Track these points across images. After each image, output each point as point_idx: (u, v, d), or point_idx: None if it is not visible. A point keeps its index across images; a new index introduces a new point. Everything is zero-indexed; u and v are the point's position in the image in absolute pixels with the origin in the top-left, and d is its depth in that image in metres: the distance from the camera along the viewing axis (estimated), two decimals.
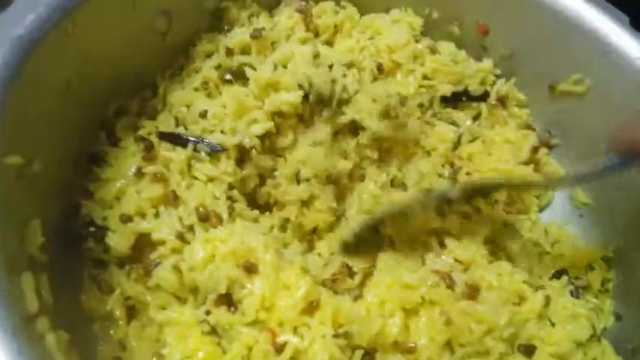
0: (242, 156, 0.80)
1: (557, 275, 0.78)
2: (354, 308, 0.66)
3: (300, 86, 0.79)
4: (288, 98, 0.79)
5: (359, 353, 0.65)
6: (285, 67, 0.83)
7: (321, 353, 0.60)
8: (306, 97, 0.80)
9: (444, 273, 0.72)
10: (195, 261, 0.66)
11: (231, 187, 0.78)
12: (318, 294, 0.65)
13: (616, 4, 0.84)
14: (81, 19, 0.69)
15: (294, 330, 0.62)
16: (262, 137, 0.80)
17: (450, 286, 0.70)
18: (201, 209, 0.73)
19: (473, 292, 0.70)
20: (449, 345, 0.68)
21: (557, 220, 0.87)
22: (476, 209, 0.79)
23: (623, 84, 0.79)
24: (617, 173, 0.65)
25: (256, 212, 0.80)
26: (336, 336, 0.63)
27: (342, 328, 0.64)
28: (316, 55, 0.85)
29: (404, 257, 0.77)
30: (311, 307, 0.63)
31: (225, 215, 0.74)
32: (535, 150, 0.88)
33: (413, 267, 0.74)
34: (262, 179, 0.83)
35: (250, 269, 0.66)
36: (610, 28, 0.81)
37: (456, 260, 0.74)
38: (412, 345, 0.66)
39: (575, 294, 0.77)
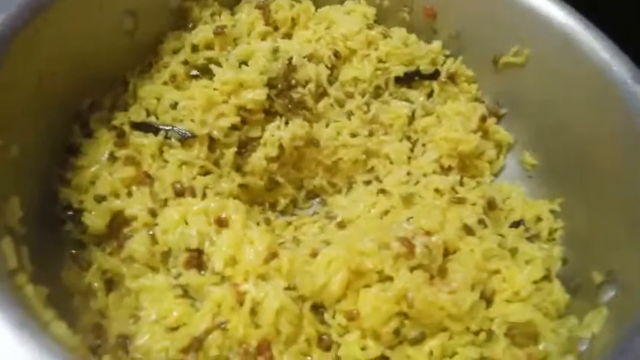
0: (212, 144, 0.85)
1: (515, 225, 0.83)
2: (307, 262, 0.70)
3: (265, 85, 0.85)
4: (253, 97, 0.85)
5: (307, 304, 0.69)
6: (247, 64, 0.89)
7: (274, 303, 0.65)
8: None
9: (406, 240, 0.70)
10: (169, 223, 0.71)
11: (203, 172, 0.83)
12: (277, 247, 0.70)
13: None
14: (51, 18, 0.75)
15: (255, 282, 0.67)
16: (231, 128, 0.85)
17: (411, 250, 0.69)
18: (177, 185, 0.78)
19: (440, 273, 0.69)
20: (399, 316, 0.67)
21: (508, 182, 0.93)
22: None
23: (556, 50, 0.86)
24: None
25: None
26: (288, 288, 0.68)
27: (294, 280, 0.68)
28: (276, 50, 0.92)
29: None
30: (271, 256, 0.68)
31: (199, 194, 0.79)
32: (483, 119, 0.94)
33: (378, 234, 0.73)
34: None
35: (221, 223, 0.71)
36: (541, 1, 0.89)
37: (422, 229, 0.73)
38: (355, 311, 0.67)
39: (531, 241, 0.81)
